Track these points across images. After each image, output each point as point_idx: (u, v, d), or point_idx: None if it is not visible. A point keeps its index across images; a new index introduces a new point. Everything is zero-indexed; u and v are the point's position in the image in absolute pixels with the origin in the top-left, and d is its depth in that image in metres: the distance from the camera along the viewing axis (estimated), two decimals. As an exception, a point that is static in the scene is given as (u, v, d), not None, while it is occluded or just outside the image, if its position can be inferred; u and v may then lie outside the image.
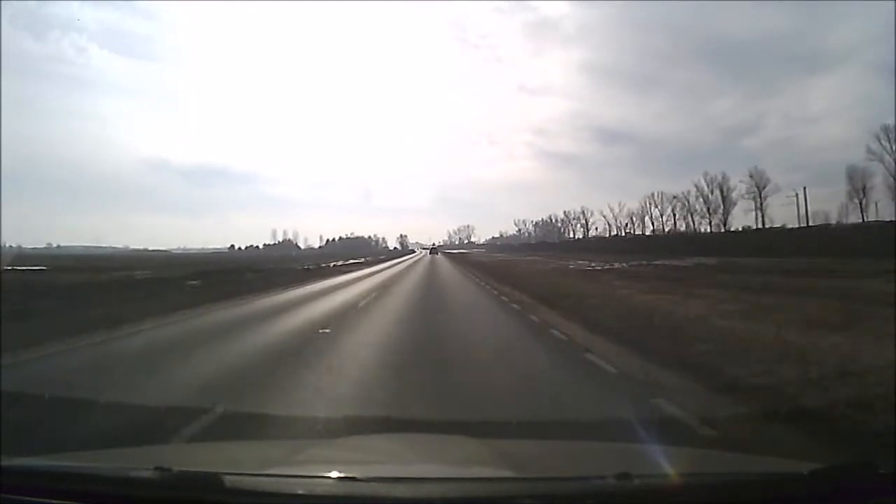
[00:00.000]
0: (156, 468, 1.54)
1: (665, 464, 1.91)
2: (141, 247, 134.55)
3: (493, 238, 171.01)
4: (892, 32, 56.89)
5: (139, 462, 1.92)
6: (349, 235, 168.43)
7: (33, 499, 1.56)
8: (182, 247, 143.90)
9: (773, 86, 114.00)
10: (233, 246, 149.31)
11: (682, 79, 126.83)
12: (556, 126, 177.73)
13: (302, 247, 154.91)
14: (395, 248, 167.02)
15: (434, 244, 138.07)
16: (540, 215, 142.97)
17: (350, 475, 1.70)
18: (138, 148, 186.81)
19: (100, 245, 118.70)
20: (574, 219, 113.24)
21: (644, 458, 2.33)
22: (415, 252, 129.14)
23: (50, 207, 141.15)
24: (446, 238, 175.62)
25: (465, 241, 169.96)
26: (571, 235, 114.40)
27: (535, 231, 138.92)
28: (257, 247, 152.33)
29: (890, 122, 55.10)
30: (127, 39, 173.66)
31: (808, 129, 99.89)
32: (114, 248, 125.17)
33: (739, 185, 70.74)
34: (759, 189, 69.44)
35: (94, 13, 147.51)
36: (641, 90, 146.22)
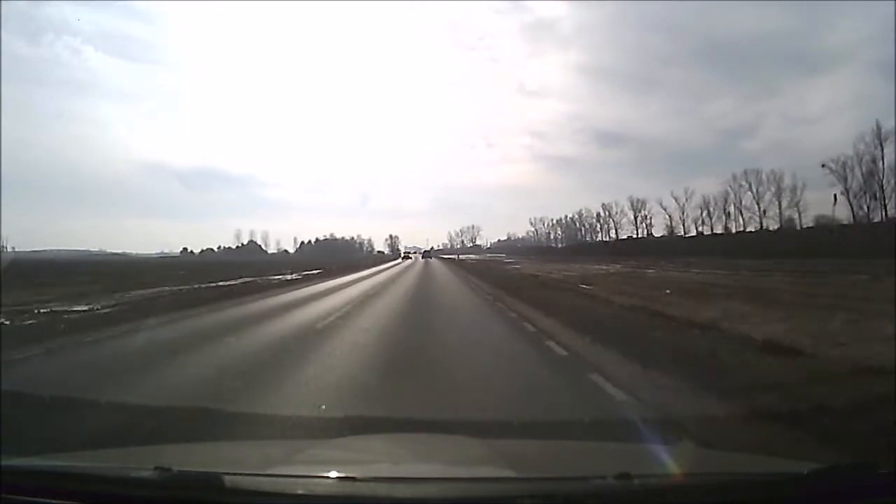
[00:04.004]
0: (156, 468, 1.54)
1: (665, 464, 1.91)
2: (121, 251, 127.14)
3: (500, 241, 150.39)
4: (891, 31, 55.80)
5: (139, 462, 1.92)
6: (327, 237, 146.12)
7: (33, 499, 1.56)
8: (163, 250, 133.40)
9: (771, 86, 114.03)
10: (185, 249, 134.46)
11: (680, 80, 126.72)
12: (554, 128, 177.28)
13: (274, 250, 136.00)
14: (379, 251, 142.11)
15: (432, 247, 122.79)
16: (536, 218, 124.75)
17: (350, 475, 1.70)
18: (134, 151, 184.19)
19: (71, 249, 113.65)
20: (618, 212, 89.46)
21: (644, 458, 2.33)
22: (399, 259, 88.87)
23: (46, 211, 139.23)
24: (447, 241, 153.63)
25: (470, 245, 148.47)
26: (613, 235, 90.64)
27: (556, 231, 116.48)
28: (212, 249, 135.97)
29: (890, 122, 48.87)
30: (123, 42, 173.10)
31: (808, 130, 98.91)
32: (90, 251, 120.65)
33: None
34: None
35: (89, 16, 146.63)
36: (639, 92, 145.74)
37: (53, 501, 1.55)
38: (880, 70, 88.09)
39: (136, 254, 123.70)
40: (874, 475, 1.53)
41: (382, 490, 1.59)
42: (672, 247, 62.08)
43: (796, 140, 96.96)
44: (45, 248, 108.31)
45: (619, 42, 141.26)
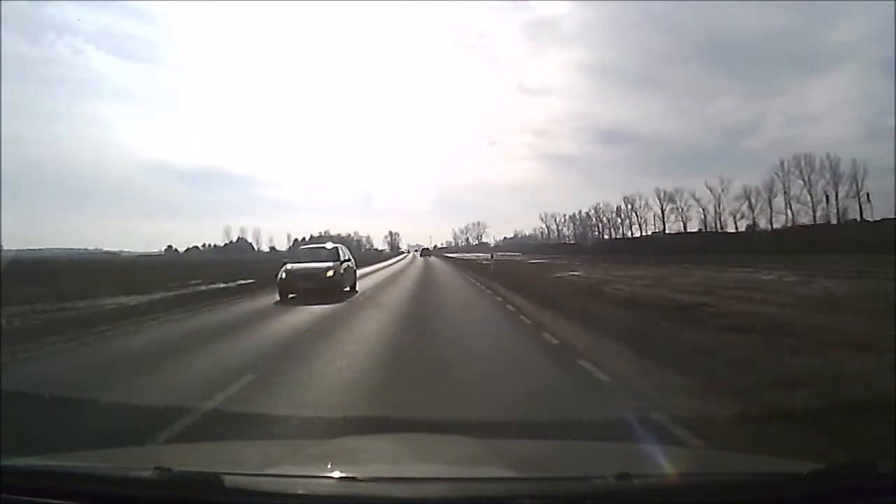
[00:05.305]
0: (156, 468, 1.54)
1: (665, 464, 1.91)
2: (117, 249, 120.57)
3: (507, 238, 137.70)
4: (891, 30, 54.76)
5: (139, 462, 1.92)
6: (322, 234, 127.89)
7: (33, 499, 1.56)
8: (160, 249, 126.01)
9: (773, 85, 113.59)
10: (170, 247, 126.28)
11: (683, 78, 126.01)
12: (556, 127, 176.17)
13: (266, 249, 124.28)
14: (381, 249, 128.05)
15: (435, 245, 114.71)
16: (547, 214, 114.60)
17: (350, 475, 1.70)
18: (136, 151, 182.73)
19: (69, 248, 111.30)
20: (642, 206, 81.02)
21: (644, 458, 2.33)
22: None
23: (46, 210, 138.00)
24: (451, 239, 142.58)
25: (476, 242, 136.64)
26: (638, 231, 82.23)
27: (570, 227, 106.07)
28: (198, 247, 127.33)
29: (890, 121, 47.88)
30: (124, 42, 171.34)
31: (810, 128, 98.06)
32: (86, 249, 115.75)
33: None
34: None
35: (90, 15, 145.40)
36: (642, 90, 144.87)
37: (53, 501, 1.55)
38: (881, 69, 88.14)
39: (128, 252, 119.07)
40: (874, 475, 1.53)
41: (382, 490, 1.59)
42: (725, 244, 52.26)
43: (798, 138, 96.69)
44: (44, 248, 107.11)
45: (621, 41, 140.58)
